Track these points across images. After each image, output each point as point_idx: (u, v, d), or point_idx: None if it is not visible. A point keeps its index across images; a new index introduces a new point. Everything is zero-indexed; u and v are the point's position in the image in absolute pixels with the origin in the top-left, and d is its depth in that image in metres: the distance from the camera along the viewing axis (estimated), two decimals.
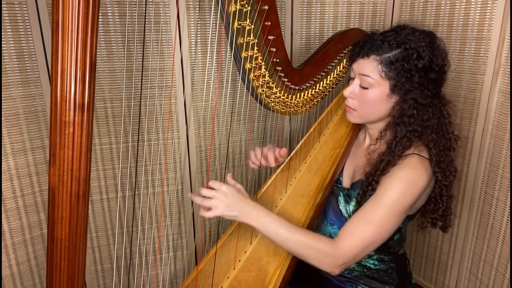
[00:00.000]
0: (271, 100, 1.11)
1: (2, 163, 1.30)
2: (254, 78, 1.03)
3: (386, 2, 1.63)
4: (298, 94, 1.16)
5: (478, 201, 1.47)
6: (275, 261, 1.02)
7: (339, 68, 1.27)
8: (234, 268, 1.04)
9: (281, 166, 1.23)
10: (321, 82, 1.22)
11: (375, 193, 0.94)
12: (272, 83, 1.07)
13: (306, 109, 1.23)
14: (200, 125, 1.55)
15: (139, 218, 1.53)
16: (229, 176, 1.01)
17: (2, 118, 1.27)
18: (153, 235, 1.62)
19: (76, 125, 0.66)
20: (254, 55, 0.99)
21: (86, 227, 0.73)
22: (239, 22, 0.93)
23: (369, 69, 0.96)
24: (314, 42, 1.62)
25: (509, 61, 1.29)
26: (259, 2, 0.94)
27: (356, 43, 1.01)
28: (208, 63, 1.48)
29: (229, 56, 1.06)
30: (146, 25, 1.35)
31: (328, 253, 0.92)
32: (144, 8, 1.35)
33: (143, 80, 1.41)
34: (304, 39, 1.61)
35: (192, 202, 1.62)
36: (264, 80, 1.05)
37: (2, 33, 1.21)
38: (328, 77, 1.24)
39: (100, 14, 0.75)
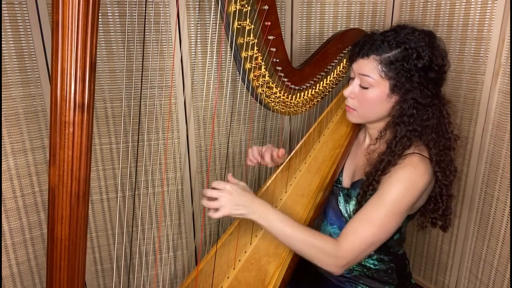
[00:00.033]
0: (271, 100, 1.11)
1: (2, 163, 1.30)
2: (254, 78, 1.03)
3: (386, 2, 1.63)
4: (298, 94, 1.16)
5: (478, 201, 1.47)
6: (275, 261, 1.02)
7: (339, 68, 1.27)
8: (234, 268, 1.04)
9: (281, 166, 1.23)
10: (321, 82, 1.22)
11: (376, 193, 0.94)
12: (272, 83, 1.07)
13: (306, 109, 1.23)
14: (200, 125, 1.55)
15: (139, 218, 1.53)
16: (230, 176, 1.01)
17: (2, 118, 1.27)
18: (153, 235, 1.62)
19: (76, 125, 0.66)
20: (254, 55, 1.00)
21: (86, 227, 0.73)
22: (239, 22, 0.93)
23: (369, 69, 0.96)
24: (314, 42, 1.62)
25: (509, 61, 1.29)
26: (259, 2, 0.94)
27: (356, 43, 1.01)
28: (208, 63, 1.48)
29: (229, 56, 1.06)
30: (146, 25, 1.35)
31: (332, 254, 0.92)
32: (144, 8, 1.35)
33: (143, 80, 1.41)
34: (304, 39, 1.60)
35: (192, 202, 1.62)
36: (264, 80, 1.05)
37: (2, 33, 1.21)
38: (328, 77, 1.24)
39: (100, 14, 0.75)
